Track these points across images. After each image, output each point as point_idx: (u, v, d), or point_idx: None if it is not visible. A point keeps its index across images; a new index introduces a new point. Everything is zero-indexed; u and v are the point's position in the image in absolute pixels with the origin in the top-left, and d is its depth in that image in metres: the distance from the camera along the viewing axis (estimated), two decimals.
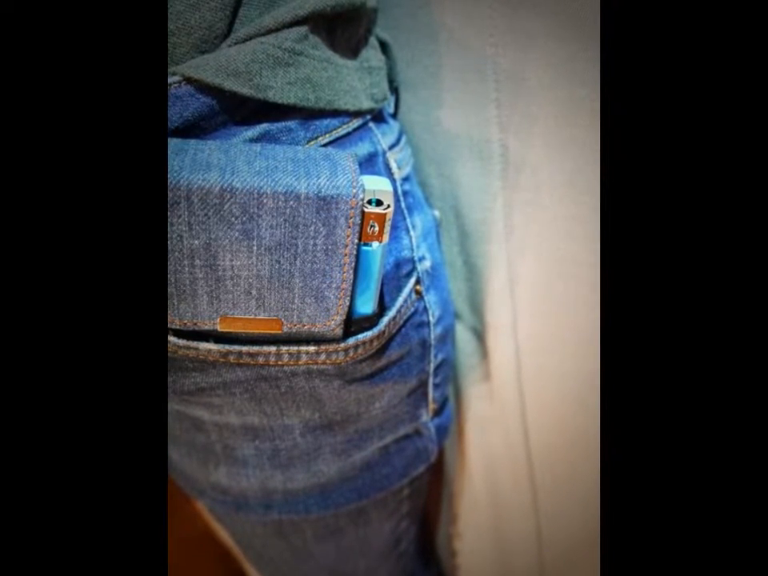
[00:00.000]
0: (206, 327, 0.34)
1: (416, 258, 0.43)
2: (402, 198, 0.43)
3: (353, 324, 0.37)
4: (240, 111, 0.34)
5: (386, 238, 0.34)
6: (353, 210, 0.31)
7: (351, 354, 0.38)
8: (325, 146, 0.37)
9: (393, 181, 0.42)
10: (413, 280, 0.42)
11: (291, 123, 0.36)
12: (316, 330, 0.35)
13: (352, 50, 0.40)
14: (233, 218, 0.31)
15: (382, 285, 0.39)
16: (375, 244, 0.34)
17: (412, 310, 0.42)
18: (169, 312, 0.33)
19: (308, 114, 0.36)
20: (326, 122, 0.37)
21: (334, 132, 0.38)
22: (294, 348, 0.37)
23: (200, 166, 0.30)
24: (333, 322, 0.35)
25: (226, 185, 0.30)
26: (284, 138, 0.36)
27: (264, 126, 0.35)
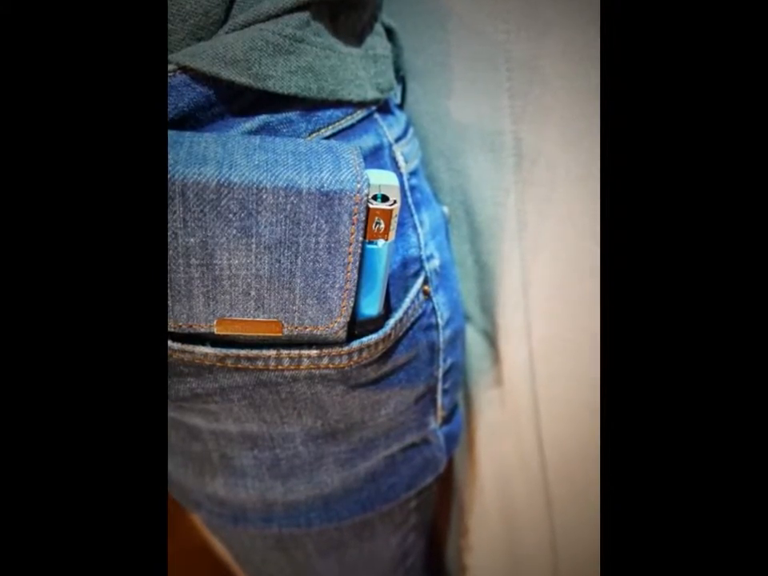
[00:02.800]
0: (203, 330, 0.34)
1: (424, 257, 0.43)
2: (409, 194, 0.42)
3: (357, 326, 0.37)
4: (238, 102, 0.34)
5: (392, 235, 0.34)
6: (357, 206, 0.31)
7: (355, 357, 0.38)
8: (327, 138, 0.37)
9: (399, 175, 0.42)
10: (420, 280, 0.42)
11: (292, 114, 0.36)
12: (318, 333, 0.35)
13: (356, 37, 0.39)
14: (230, 215, 0.30)
15: (388, 285, 0.38)
16: (381, 242, 0.34)
17: (420, 311, 0.42)
18: None
19: (310, 105, 0.36)
20: (328, 113, 0.37)
21: (337, 124, 0.37)
22: (294, 352, 0.37)
23: (196, 160, 0.30)
24: (336, 325, 0.35)
25: (223, 179, 0.30)
26: (284, 130, 0.36)
27: (263, 118, 0.35)
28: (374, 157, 0.40)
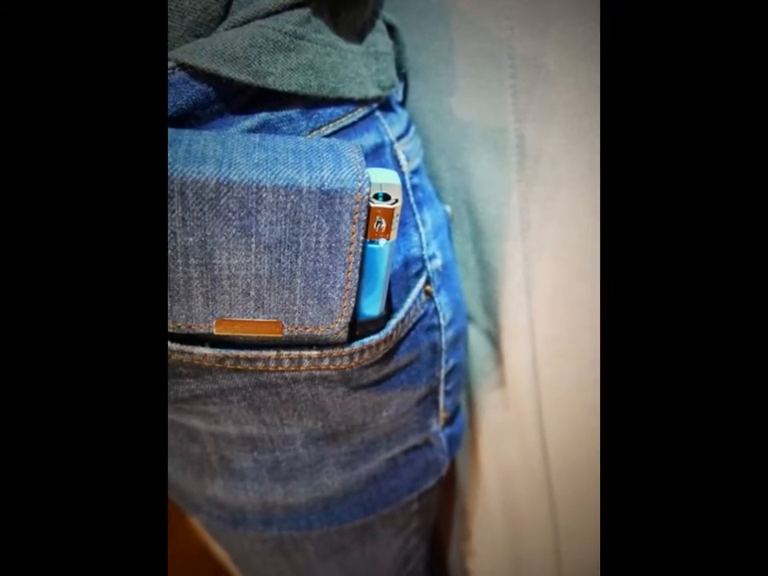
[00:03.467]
0: (202, 330, 0.34)
1: (426, 257, 0.43)
2: (410, 192, 0.42)
3: (358, 327, 0.37)
4: (238, 99, 0.34)
5: (393, 234, 0.34)
6: (358, 205, 0.31)
7: (357, 359, 0.38)
8: (328, 136, 0.37)
9: (401, 174, 0.42)
10: (422, 280, 0.42)
11: (292, 112, 0.36)
12: (319, 334, 0.35)
13: (357, 34, 0.39)
14: (230, 214, 0.30)
15: (390, 285, 0.38)
16: (382, 241, 0.34)
17: (422, 312, 0.42)
18: None
19: (310, 103, 0.36)
20: (329, 110, 0.37)
21: (338, 121, 0.37)
22: (295, 353, 0.37)
23: (195, 158, 0.30)
24: (337, 325, 0.35)
25: (222, 178, 0.30)
26: (285, 128, 0.35)
27: (263, 116, 0.35)
28: (376, 155, 0.39)
